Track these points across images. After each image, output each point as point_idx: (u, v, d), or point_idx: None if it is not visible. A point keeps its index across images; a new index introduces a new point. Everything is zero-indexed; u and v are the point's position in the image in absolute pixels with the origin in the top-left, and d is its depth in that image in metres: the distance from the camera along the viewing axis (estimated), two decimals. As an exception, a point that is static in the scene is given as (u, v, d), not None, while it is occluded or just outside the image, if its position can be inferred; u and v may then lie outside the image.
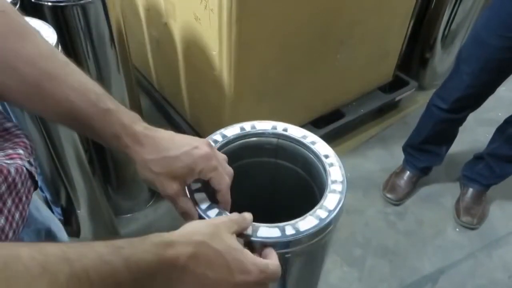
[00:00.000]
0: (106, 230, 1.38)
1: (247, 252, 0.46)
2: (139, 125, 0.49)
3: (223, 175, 0.53)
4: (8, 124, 0.49)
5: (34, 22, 0.91)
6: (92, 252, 0.35)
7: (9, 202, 0.42)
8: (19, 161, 0.45)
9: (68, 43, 1.14)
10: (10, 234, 0.42)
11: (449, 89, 1.42)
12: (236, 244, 0.46)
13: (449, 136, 1.59)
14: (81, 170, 1.18)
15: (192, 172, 0.51)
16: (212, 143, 0.64)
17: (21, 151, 0.47)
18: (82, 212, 1.25)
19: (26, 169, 0.46)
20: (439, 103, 1.46)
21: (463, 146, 1.83)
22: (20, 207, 0.44)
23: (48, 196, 1.17)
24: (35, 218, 0.59)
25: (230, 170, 0.55)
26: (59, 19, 1.09)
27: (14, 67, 0.43)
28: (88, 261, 0.34)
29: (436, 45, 2.04)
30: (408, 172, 1.67)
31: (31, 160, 0.49)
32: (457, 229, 1.59)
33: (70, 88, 0.45)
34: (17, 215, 0.43)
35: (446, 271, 1.46)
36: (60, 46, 0.90)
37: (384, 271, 1.46)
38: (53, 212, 1.20)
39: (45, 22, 0.92)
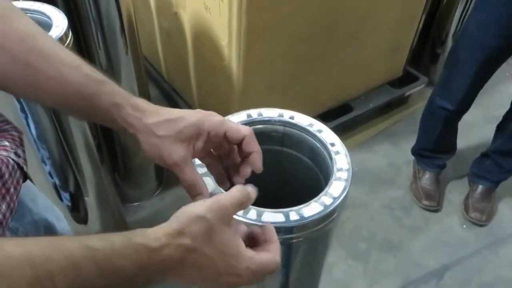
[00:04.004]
0: (113, 218, 1.39)
1: (242, 253, 0.42)
2: (139, 98, 0.48)
3: (238, 124, 0.49)
4: None
5: (45, 8, 0.91)
6: (60, 254, 0.32)
7: None
8: (4, 152, 0.45)
9: (78, 30, 1.15)
10: None
11: (454, 91, 1.44)
12: (230, 245, 0.41)
13: (455, 129, 1.60)
14: (89, 157, 1.19)
15: (201, 132, 0.47)
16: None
17: (6, 143, 0.46)
18: (90, 199, 1.26)
19: (13, 160, 0.46)
20: (446, 105, 1.47)
21: (472, 143, 1.81)
22: (8, 198, 0.43)
23: (57, 182, 1.18)
24: (29, 209, 0.59)
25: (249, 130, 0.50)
26: (70, 6, 1.10)
27: (2, 46, 0.42)
28: (54, 265, 0.31)
29: (448, 40, 2.02)
30: (432, 173, 1.66)
31: (19, 151, 0.48)
32: (464, 226, 1.58)
33: (62, 63, 0.44)
34: (3, 206, 0.42)
35: (451, 268, 1.45)
36: (70, 32, 0.90)
37: (389, 266, 1.45)
38: (61, 199, 1.21)
39: (56, 8, 0.92)
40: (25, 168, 0.48)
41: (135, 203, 1.60)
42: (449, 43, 2.03)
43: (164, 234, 0.38)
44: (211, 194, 0.50)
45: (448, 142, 1.62)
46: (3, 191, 0.43)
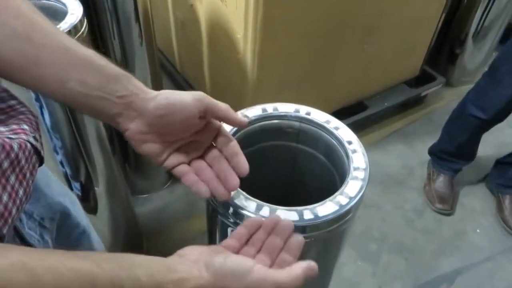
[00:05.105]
0: (122, 209, 1.39)
1: (262, 276, 0.43)
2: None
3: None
4: (13, 102, 0.48)
5: (61, -4, 0.91)
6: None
7: (13, 178, 0.41)
8: (24, 136, 0.44)
9: (94, 20, 1.15)
10: (14, 211, 0.40)
11: (491, 100, 1.39)
12: (249, 274, 0.42)
13: (480, 137, 1.56)
14: (101, 148, 1.19)
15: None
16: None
17: (26, 127, 0.45)
18: (100, 189, 1.26)
19: (31, 144, 0.45)
20: (479, 114, 1.42)
21: (490, 147, 1.78)
22: (24, 183, 0.43)
23: (68, 171, 1.18)
24: (44, 194, 0.59)
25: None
26: (86, -5, 1.09)
27: (4, 22, 0.41)
28: None
29: (467, 40, 1.98)
30: (446, 176, 1.63)
31: (36, 136, 0.47)
32: (478, 230, 1.55)
33: (64, 36, 0.44)
34: (20, 192, 0.42)
35: (463, 272, 1.42)
36: (85, 20, 0.89)
37: (399, 268, 1.43)
38: (71, 188, 1.21)
39: (71, -4, 0.92)
40: (42, 152, 0.47)
41: (145, 195, 1.60)
42: (469, 43, 1.98)
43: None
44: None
45: (470, 149, 1.59)
46: (20, 176, 0.42)
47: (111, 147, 1.25)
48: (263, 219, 0.49)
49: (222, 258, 0.43)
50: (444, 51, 2.07)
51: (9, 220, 0.39)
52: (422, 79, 1.92)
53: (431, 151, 1.67)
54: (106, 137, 1.20)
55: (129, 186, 1.47)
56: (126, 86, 0.45)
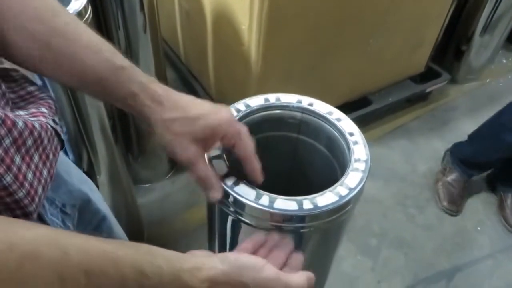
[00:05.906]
0: (124, 198, 1.39)
1: (275, 274, 0.44)
2: (158, 85, 0.47)
3: (248, 141, 0.50)
4: (31, 88, 0.49)
5: (66, -18, 0.90)
6: (114, 271, 0.34)
7: (36, 157, 0.42)
8: (43, 119, 0.45)
9: (98, 7, 1.14)
10: (40, 190, 0.41)
11: None
12: (262, 270, 0.43)
13: None
14: (103, 137, 1.19)
15: (215, 135, 0.49)
16: (235, 112, 0.63)
17: (44, 110, 0.46)
18: (102, 178, 1.26)
19: (51, 127, 0.45)
20: None
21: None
22: (48, 164, 0.44)
23: (71, 158, 1.19)
24: (65, 180, 0.59)
25: (251, 141, 0.52)
26: (91, -18, 1.09)
27: (24, 25, 0.42)
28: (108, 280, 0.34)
29: (474, 37, 1.96)
30: (461, 178, 1.61)
31: (56, 119, 0.48)
32: (478, 228, 1.54)
33: (82, 46, 0.44)
34: (45, 172, 0.43)
35: (463, 269, 1.42)
36: (90, 7, 0.89)
37: (399, 263, 1.43)
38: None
39: (76, -18, 0.91)
40: (62, 135, 0.48)
41: (146, 185, 1.60)
42: (476, 40, 1.97)
43: (208, 278, 0.40)
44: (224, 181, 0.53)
45: (495, 165, 1.57)
46: (44, 157, 0.43)
47: (113, 136, 1.25)
48: (265, 236, 0.51)
49: (235, 254, 0.44)
50: (450, 48, 2.06)
51: (36, 199, 0.40)
52: (427, 75, 1.91)
53: (453, 151, 1.64)
54: (108, 126, 1.20)
55: (131, 176, 1.48)
56: (132, 107, 0.47)
